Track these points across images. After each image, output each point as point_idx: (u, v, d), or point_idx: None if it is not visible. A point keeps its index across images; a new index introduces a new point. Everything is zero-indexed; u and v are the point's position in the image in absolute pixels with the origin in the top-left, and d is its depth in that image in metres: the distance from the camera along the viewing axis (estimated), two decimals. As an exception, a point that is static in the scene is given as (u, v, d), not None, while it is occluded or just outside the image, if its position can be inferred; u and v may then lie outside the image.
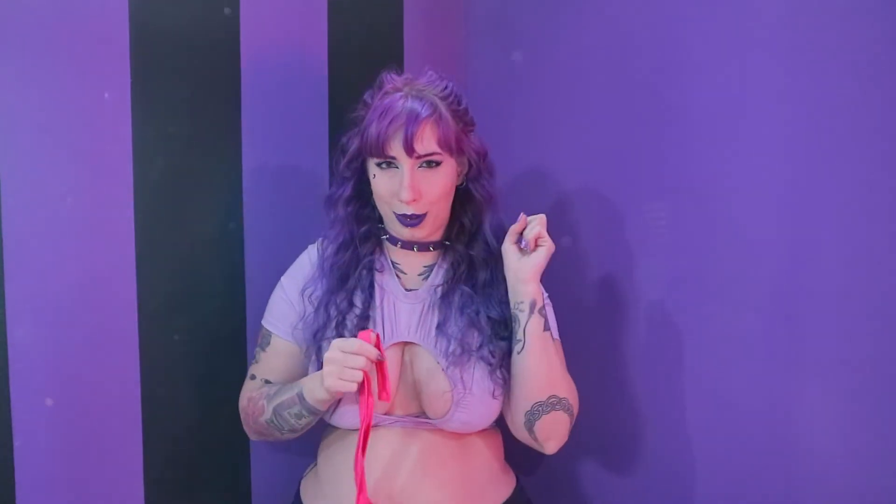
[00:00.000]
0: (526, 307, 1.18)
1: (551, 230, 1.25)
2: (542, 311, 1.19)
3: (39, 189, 1.26)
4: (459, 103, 1.20)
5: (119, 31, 1.29)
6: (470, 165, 1.23)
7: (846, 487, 1.13)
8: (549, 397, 1.18)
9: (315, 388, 1.14)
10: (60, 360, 1.29)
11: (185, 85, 1.36)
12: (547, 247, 1.19)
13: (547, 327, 1.19)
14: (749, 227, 1.22)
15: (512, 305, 1.20)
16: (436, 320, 1.22)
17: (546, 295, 1.27)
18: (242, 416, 1.28)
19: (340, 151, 1.25)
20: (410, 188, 1.14)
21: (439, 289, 1.24)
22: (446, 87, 1.19)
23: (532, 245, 1.19)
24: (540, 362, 1.18)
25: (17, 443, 1.26)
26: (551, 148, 1.51)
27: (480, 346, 1.20)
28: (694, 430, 1.32)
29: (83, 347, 1.30)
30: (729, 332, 1.25)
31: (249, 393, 1.26)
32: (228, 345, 1.43)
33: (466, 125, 1.21)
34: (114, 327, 1.32)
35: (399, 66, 1.42)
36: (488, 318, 1.22)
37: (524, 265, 1.19)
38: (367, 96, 1.22)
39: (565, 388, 1.21)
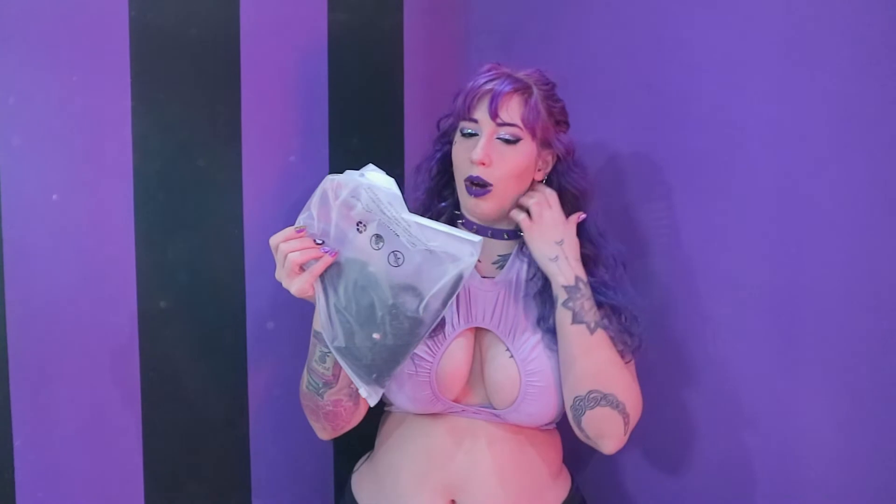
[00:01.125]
0: (555, 295, 1.18)
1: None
2: (567, 304, 1.16)
3: (39, 189, 1.26)
4: (555, 99, 1.22)
5: (119, 31, 1.29)
6: (558, 159, 1.24)
7: (846, 486, 1.13)
8: (590, 392, 1.14)
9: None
10: (60, 360, 1.28)
11: (185, 85, 1.36)
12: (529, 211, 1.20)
13: (578, 321, 1.15)
14: (749, 227, 1.22)
15: None
16: (528, 312, 1.21)
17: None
18: (301, 402, 1.23)
19: (437, 128, 1.30)
20: (483, 149, 1.16)
21: (536, 281, 1.23)
22: (547, 83, 1.22)
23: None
24: (573, 356, 1.15)
25: (16, 443, 1.25)
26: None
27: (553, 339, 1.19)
28: (693, 429, 1.32)
29: (83, 347, 1.30)
30: (729, 332, 1.25)
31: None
32: (228, 345, 1.43)
33: (558, 123, 1.23)
34: (114, 327, 1.32)
35: (399, 67, 1.43)
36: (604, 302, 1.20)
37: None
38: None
39: (613, 385, 1.15)
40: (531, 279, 1.23)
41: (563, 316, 1.16)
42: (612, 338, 1.18)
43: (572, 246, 1.20)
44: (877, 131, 1.08)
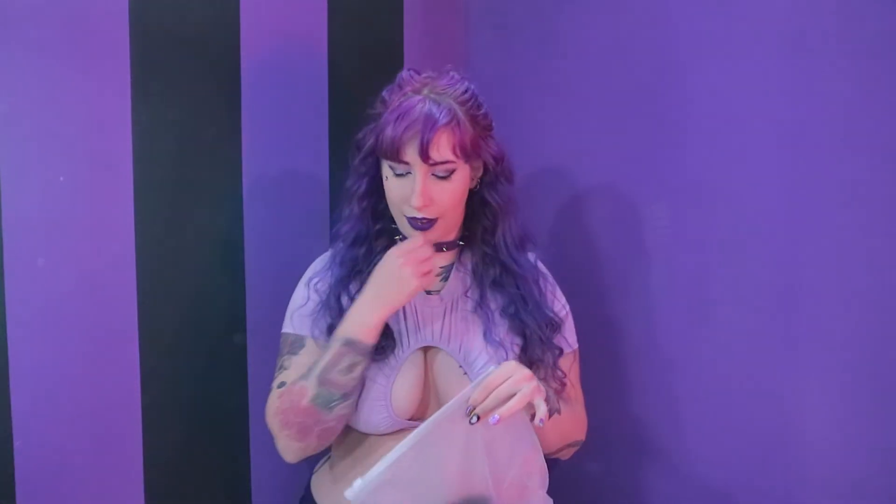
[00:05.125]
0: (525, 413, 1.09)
1: (552, 229, 1.25)
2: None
3: (39, 188, 1.26)
4: (479, 107, 1.17)
5: (119, 31, 1.29)
6: (486, 170, 1.20)
7: (846, 486, 1.13)
8: (561, 447, 1.20)
9: (361, 317, 1.13)
10: (60, 361, 1.28)
11: (185, 85, 1.36)
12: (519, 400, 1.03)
13: (553, 411, 1.12)
14: (749, 227, 1.22)
15: None
16: (473, 326, 1.20)
17: (567, 308, 1.27)
18: (280, 419, 1.15)
19: (356, 147, 1.22)
20: (422, 195, 1.12)
21: (469, 296, 1.22)
22: (466, 91, 1.16)
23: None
24: (550, 437, 1.16)
25: (17, 443, 1.25)
26: (551, 148, 1.51)
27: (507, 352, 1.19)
28: (693, 429, 1.32)
29: (83, 347, 1.30)
30: (729, 332, 1.25)
31: (280, 393, 1.17)
32: (229, 344, 1.43)
33: (484, 129, 1.18)
34: (114, 327, 1.32)
35: (399, 67, 1.43)
36: (524, 322, 1.20)
37: None
38: (385, 93, 1.18)
39: (572, 435, 1.22)
40: (466, 293, 1.22)
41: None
42: (550, 370, 1.19)
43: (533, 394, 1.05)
44: (877, 130, 1.08)
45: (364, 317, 1.13)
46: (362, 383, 1.15)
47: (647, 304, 1.36)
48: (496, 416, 1.01)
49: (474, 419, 1.02)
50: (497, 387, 1.02)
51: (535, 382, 1.04)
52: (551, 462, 1.21)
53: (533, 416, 1.05)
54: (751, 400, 1.23)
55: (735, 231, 1.23)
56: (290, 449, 1.17)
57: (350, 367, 1.11)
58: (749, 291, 1.22)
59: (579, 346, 1.29)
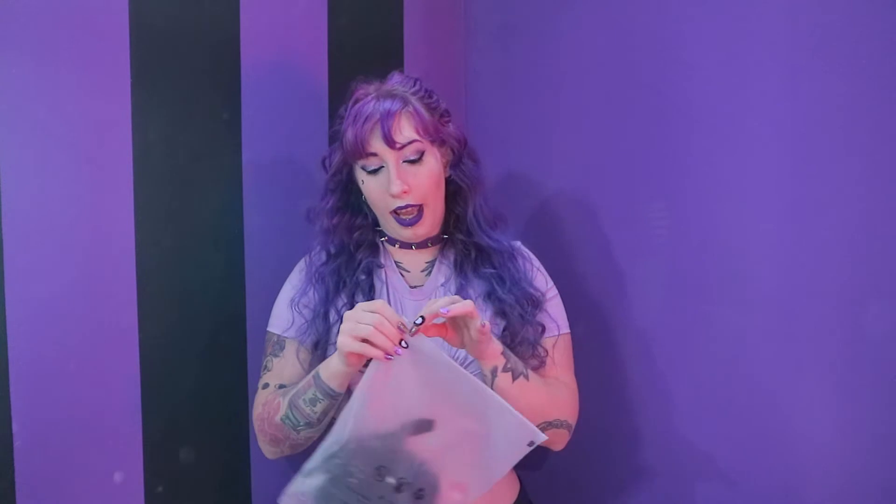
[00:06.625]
0: (488, 374, 1.12)
1: (553, 229, 1.24)
2: (506, 367, 1.11)
3: (39, 189, 1.26)
4: (430, 96, 1.22)
5: (119, 30, 1.29)
6: (452, 153, 1.24)
7: (845, 486, 1.14)
8: (540, 424, 1.14)
9: (331, 361, 1.10)
10: (60, 361, 1.28)
11: (185, 85, 1.36)
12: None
13: (519, 375, 1.13)
14: (748, 227, 1.22)
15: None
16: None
17: (554, 291, 1.27)
18: (258, 425, 1.22)
19: (324, 167, 1.27)
20: (398, 178, 1.16)
21: (448, 285, 1.24)
22: (415, 84, 1.22)
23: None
24: (520, 406, 1.08)
25: (16, 443, 1.25)
26: (551, 148, 1.51)
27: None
28: (693, 429, 1.32)
29: (83, 347, 1.30)
30: (728, 332, 1.26)
31: (264, 398, 1.22)
32: (228, 344, 1.43)
33: (442, 116, 1.23)
34: (114, 327, 1.32)
35: (399, 67, 1.43)
36: (502, 300, 1.21)
37: (468, 348, 1.11)
38: (341, 111, 1.24)
39: (558, 411, 1.19)
40: (444, 284, 1.24)
41: (503, 381, 1.11)
42: (531, 347, 1.19)
43: (485, 347, 1.10)
44: (877, 131, 1.08)
45: (332, 361, 1.10)
46: (325, 418, 1.15)
47: (647, 305, 1.36)
48: (447, 308, 1.02)
49: (419, 320, 1.01)
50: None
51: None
52: (548, 456, 1.21)
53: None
54: (750, 399, 1.23)
55: (735, 232, 1.24)
56: (266, 451, 1.23)
57: (312, 401, 1.12)
58: (748, 292, 1.23)
59: (580, 345, 1.29)
